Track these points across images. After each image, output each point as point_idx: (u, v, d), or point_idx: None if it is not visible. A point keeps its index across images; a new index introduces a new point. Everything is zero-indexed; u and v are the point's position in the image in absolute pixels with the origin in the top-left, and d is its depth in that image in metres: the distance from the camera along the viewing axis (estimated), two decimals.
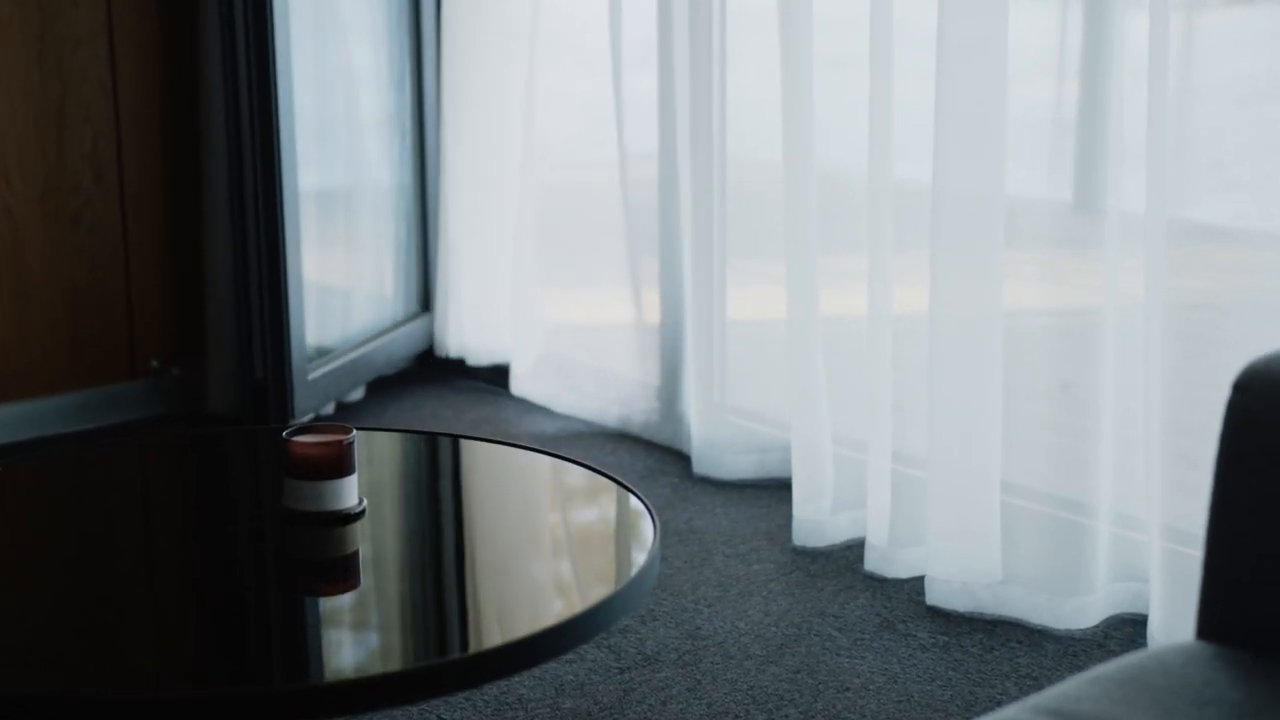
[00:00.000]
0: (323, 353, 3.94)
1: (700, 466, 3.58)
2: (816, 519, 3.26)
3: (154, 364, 4.02)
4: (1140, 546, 2.94)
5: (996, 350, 2.96)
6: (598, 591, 2.10)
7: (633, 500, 2.30)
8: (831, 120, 3.25)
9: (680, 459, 3.70)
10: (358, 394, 4.11)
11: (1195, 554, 2.73)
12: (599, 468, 2.40)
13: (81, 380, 3.97)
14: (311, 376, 3.81)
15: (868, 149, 3.08)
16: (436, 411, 4.05)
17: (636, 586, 2.07)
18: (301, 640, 2.09)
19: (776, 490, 3.52)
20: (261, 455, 2.67)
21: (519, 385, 4.09)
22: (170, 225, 4.01)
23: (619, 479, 2.34)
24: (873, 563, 3.14)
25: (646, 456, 3.73)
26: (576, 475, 2.47)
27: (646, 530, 2.20)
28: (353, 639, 2.07)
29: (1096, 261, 2.95)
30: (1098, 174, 3.19)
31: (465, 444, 2.63)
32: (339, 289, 4.15)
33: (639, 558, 2.14)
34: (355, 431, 2.24)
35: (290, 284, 3.69)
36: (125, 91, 3.92)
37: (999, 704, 2.65)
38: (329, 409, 3.97)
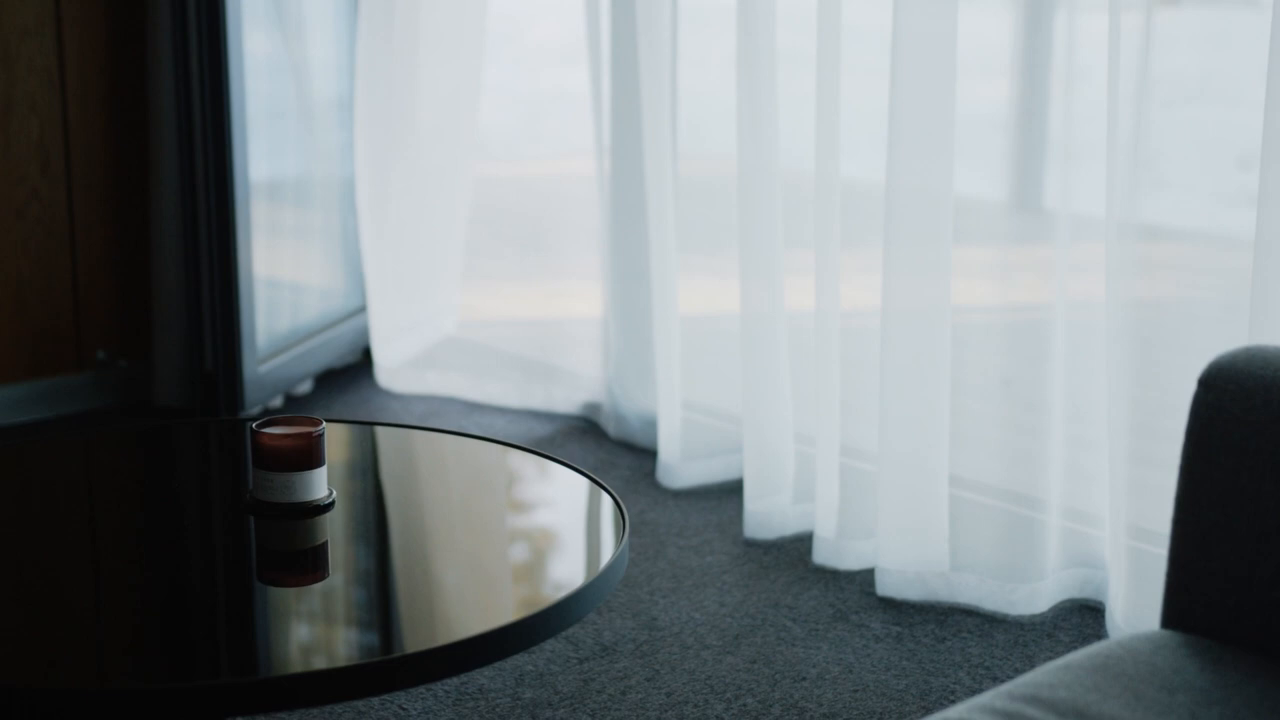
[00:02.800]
0: (272, 345, 3.94)
1: (666, 463, 3.59)
2: (767, 512, 3.30)
3: (100, 356, 4.01)
4: (1088, 535, 3.00)
5: (945, 346, 3.01)
6: (566, 585, 2.12)
7: (600, 494, 2.32)
8: (782, 117, 3.29)
9: (630, 452, 3.73)
10: (305, 387, 4.11)
11: (1149, 548, 2.81)
12: (568, 462, 2.42)
13: (27, 372, 3.95)
14: (262, 369, 3.81)
15: (815, 146, 3.11)
16: (385, 405, 4.06)
17: (605, 579, 2.09)
18: (265, 632, 2.10)
19: (726, 484, 3.56)
20: (224, 447, 2.67)
21: (413, 381, 4.11)
22: (117, 217, 3.99)
23: (588, 473, 2.36)
24: (822, 555, 3.19)
25: (597, 449, 3.76)
26: (542, 469, 2.49)
27: (615, 524, 2.23)
28: (318, 631, 2.08)
29: (1041, 260, 3.02)
30: (1034, 173, 3.26)
31: (429, 437, 2.65)
32: (287, 281, 4.15)
33: (608, 551, 2.16)
34: (325, 423, 2.26)
35: (241, 276, 3.69)
36: (73, 82, 3.90)
37: (953, 692, 2.70)
38: (277, 401, 3.97)
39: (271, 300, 3.96)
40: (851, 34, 3.08)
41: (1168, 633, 1.80)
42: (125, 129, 3.96)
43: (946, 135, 2.95)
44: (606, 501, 2.29)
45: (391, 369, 4.15)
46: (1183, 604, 1.81)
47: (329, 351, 4.15)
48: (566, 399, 3.98)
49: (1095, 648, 1.77)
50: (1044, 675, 1.71)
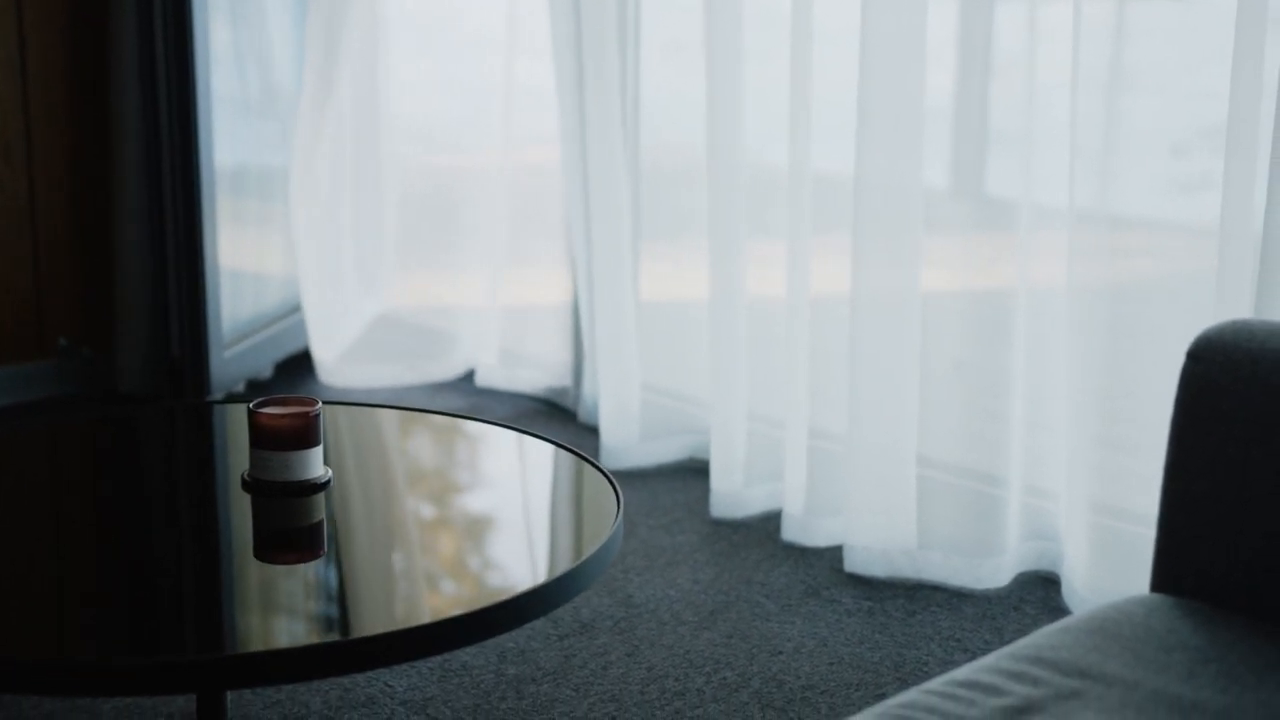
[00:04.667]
0: (236, 332, 3.96)
1: (609, 445, 3.64)
2: (733, 491, 3.36)
3: (63, 343, 4.01)
4: (1047, 510, 3.08)
5: (914, 330, 3.07)
6: (563, 561, 2.17)
7: (595, 474, 2.37)
8: (750, 104, 3.34)
9: (595, 435, 3.78)
10: (266, 373, 4.13)
11: (1110, 523, 2.90)
12: (561, 442, 2.47)
13: None
14: (227, 354, 3.83)
15: (789, 135, 3.17)
16: (346, 393, 4.09)
17: (602, 555, 2.12)
18: (260, 609, 2.12)
19: (691, 465, 3.61)
20: (210, 429, 2.70)
21: (357, 374, 4.14)
22: (78, 205, 4.00)
23: (582, 454, 2.41)
24: (790, 532, 3.25)
25: (563, 433, 3.80)
26: (536, 449, 2.53)
27: (608, 502, 2.27)
28: (311, 608, 2.11)
29: (998, 247, 3.10)
30: (974, 161, 3.34)
31: (420, 417, 2.69)
32: (249, 269, 4.16)
33: (602, 529, 2.20)
34: (320, 404, 2.29)
35: (208, 262, 3.70)
36: (34, 69, 3.90)
37: (925, 664, 2.77)
38: (239, 388, 3.99)
39: (234, 287, 3.98)
40: (818, 23, 3.14)
41: (1159, 596, 1.87)
42: (87, 116, 3.97)
43: (915, 126, 3.01)
44: (600, 481, 2.33)
45: (332, 363, 4.14)
46: (1173, 569, 1.88)
47: (290, 338, 4.17)
48: (531, 383, 4.03)
49: (1090, 611, 1.83)
50: (1044, 638, 1.77)
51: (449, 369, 4.19)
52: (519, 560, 2.27)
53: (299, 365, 4.25)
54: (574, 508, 2.40)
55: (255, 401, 2.29)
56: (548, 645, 2.82)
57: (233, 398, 3.90)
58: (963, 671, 1.71)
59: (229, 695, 2.47)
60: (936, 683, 1.69)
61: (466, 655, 2.77)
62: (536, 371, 4.04)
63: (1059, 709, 1.62)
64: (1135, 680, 1.67)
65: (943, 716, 1.61)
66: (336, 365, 4.14)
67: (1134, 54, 2.87)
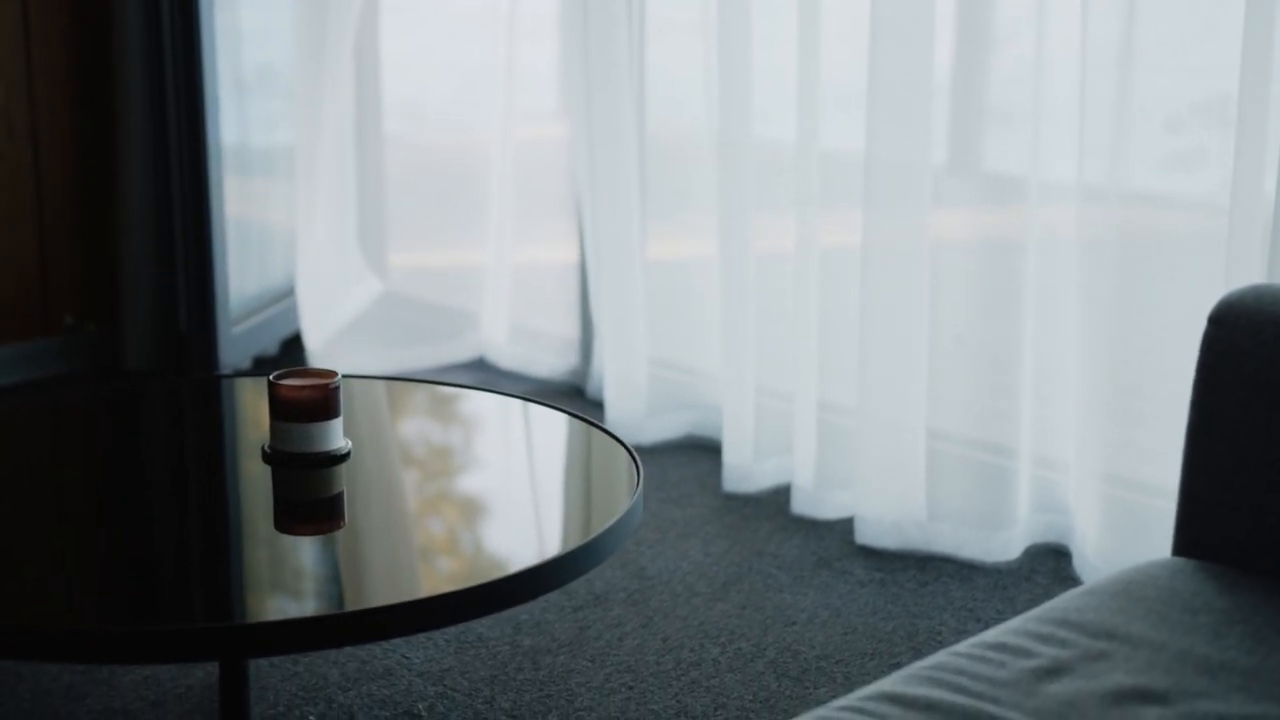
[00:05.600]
0: (243, 309, 3.96)
1: (615, 420, 3.64)
2: (744, 465, 3.37)
3: (68, 320, 4.02)
4: (1057, 482, 3.09)
5: (923, 303, 3.08)
6: (583, 531, 2.18)
7: (611, 443, 2.38)
8: (759, 81, 3.35)
9: (600, 410, 3.79)
10: (273, 350, 4.14)
11: (1122, 494, 2.91)
12: (578, 413, 2.48)
13: None
14: (235, 331, 3.83)
15: (796, 110, 3.18)
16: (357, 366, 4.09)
17: (620, 529, 2.12)
18: (281, 578, 2.13)
19: (694, 442, 3.62)
20: (226, 403, 2.70)
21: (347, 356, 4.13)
22: (83, 181, 4.00)
23: (600, 425, 2.42)
24: (801, 505, 3.26)
25: (571, 408, 3.80)
26: (554, 421, 2.54)
27: (626, 474, 2.28)
28: (331, 577, 2.12)
29: (1003, 221, 3.12)
30: (970, 136, 3.35)
31: (437, 389, 2.70)
32: (255, 245, 4.17)
33: (621, 500, 2.21)
34: (340, 375, 2.30)
35: (215, 238, 3.71)
36: (38, 45, 3.90)
37: (939, 634, 2.78)
38: (246, 365, 4.00)
39: (240, 264, 3.98)
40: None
41: (1181, 560, 1.88)
42: (91, 92, 3.97)
43: (924, 101, 3.02)
44: (618, 452, 2.34)
45: (321, 346, 4.14)
46: (1195, 532, 1.89)
47: (296, 316, 4.17)
48: (537, 360, 4.03)
49: (1114, 575, 1.85)
50: (1069, 601, 1.79)
51: (454, 349, 4.17)
52: (538, 531, 2.28)
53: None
54: (592, 479, 2.41)
55: (275, 373, 2.30)
56: (562, 617, 2.83)
57: (241, 374, 3.90)
58: (990, 634, 1.72)
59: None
60: (964, 645, 1.70)
61: (482, 627, 2.79)
62: (543, 348, 4.04)
63: (1088, 670, 1.63)
64: (1162, 641, 1.68)
65: (972, 678, 1.63)
66: (327, 351, 4.12)
67: (1142, 27, 2.88)
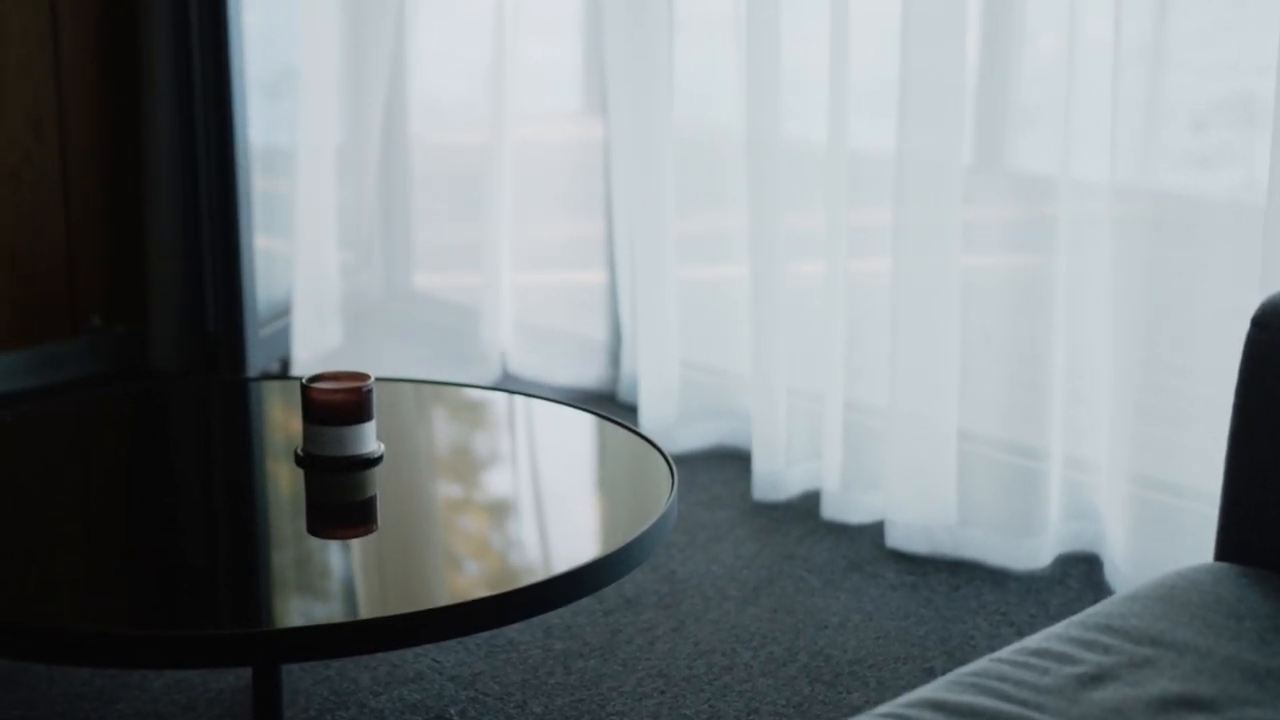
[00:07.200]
0: (270, 310, 3.95)
1: (648, 427, 3.62)
2: (775, 472, 3.34)
3: (94, 321, 4.02)
4: (1088, 485, 3.07)
5: (955, 303, 3.07)
6: (619, 536, 2.15)
7: (645, 447, 2.37)
8: (788, 81, 3.33)
9: (632, 414, 3.77)
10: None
11: (1155, 496, 2.90)
12: (612, 417, 2.47)
13: (19, 339, 3.95)
14: (263, 333, 3.83)
15: (827, 112, 3.16)
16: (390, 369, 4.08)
17: (655, 533, 2.11)
18: (313, 583, 2.13)
19: (722, 451, 3.59)
20: (259, 405, 2.70)
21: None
22: (111, 182, 4.00)
23: (634, 428, 2.41)
24: (830, 509, 3.24)
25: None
26: (587, 424, 2.53)
27: (660, 478, 2.26)
28: (365, 582, 2.11)
29: (1031, 220, 3.11)
30: (995, 135, 3.33)
31: (470, 393, 2.69)
32: (281, 247, 4.16)
33: (655, 505, 2.19)
34: (373, 379, 2.29)
35: (244, 239, 3.70)
36: (66, 45, 3.90)
37: (972, 639, 2.77)
38: (274, 367, 3.99)
39: (267, 266, 3.97)
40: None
41: (1224, 565, 1.87)
42: (119, 92, 3.96)
43: (956, 102, 3.00)
44: (653, 456, 2.33)
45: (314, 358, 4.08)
46: (1238, 537, 1.88)
47: None
48: (565, 367, 3.99)
49: (1157, 580, 1.83)
50: (1112, 606, 1.77)
51: (475, 353, 4.12)
52: (573, 535, 2.27)
53: None
54: (626, 484, 2.40)
55: (308, 377, 2.29)
56: (593, 621, 2.82)
57: (269, 376, 3.90)
58: (1033, 640, 1.71)
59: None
60: (1007, 652, 1.69)
61: (513, 631, 2.78)
62: (571, 355, 3.99)
63: (1133, 677, 1.62)
64: (1208, 648, 1.67)
65: (1016, 685, 1.61)
66: (340, 355, 4.08)
67: (1173, 24, 2.86)
